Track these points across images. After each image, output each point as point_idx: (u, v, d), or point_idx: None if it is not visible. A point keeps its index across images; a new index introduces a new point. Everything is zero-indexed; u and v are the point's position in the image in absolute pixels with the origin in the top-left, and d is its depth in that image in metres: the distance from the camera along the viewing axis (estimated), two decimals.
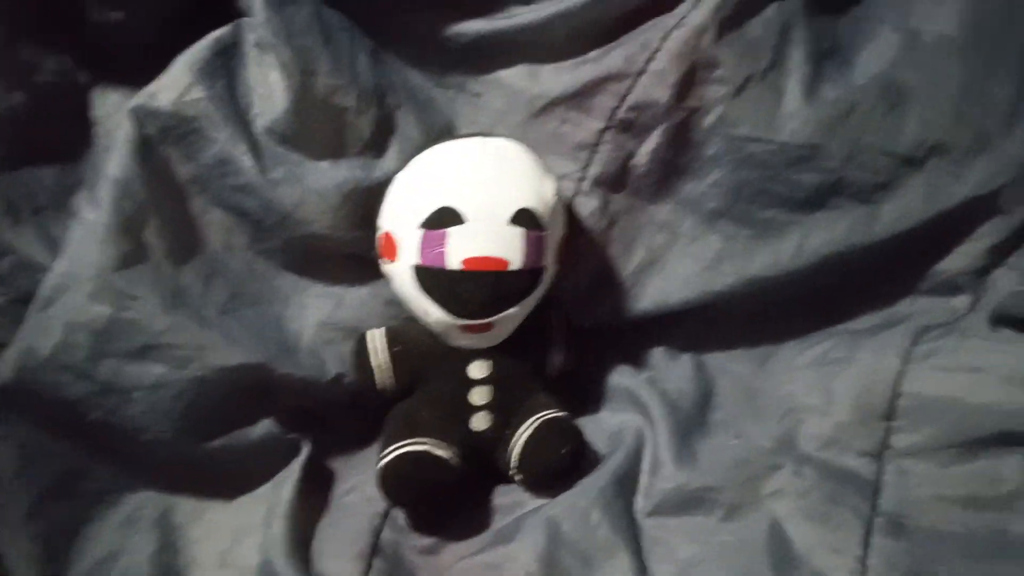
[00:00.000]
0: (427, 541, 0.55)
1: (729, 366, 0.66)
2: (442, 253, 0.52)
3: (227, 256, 0.56)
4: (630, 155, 0.61)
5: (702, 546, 0.53)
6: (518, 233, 0.53)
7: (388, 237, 0.54)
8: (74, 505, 0.52)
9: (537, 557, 0.50)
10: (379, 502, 0.56)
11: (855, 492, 0.53)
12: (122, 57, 0.56)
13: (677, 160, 0.61)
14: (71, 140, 0.54)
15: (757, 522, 0.54)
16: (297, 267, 0.59)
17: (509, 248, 0.53)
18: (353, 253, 0.58)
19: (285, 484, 0.55)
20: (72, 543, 0.52)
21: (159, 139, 0.52)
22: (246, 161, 0.53)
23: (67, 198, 0.52)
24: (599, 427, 0.62)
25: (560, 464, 0.56)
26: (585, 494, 0.54)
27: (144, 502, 0.54)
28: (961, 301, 0.60)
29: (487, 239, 0.53)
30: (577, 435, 0.57)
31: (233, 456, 0.55)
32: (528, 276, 0.55)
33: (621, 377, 0.64)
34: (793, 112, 0.58)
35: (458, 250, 0.52)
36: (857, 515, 0.52)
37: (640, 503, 0.56)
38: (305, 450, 0.57)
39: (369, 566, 0.52)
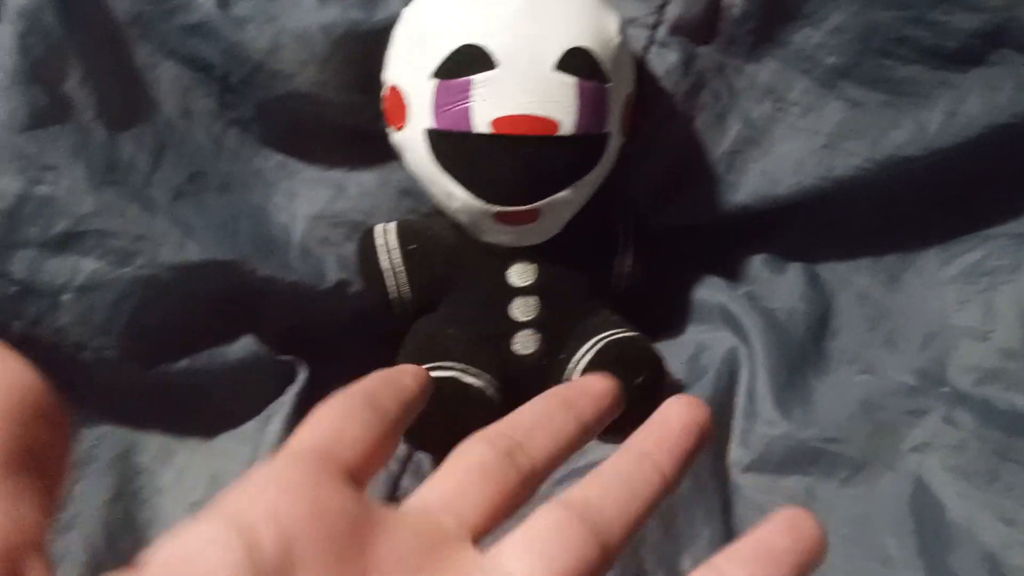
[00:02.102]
0: None
1: (852, 279, 0.53)
2: (465, 111, 0.38)
3: (186, 125, 0.44)
4: None
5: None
6: (569, 83, 0.39)
7: (395, 93, 0.41)
8: None
9: None
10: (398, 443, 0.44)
11: None
12: None
13: None
14: None
15: (895, 485, 0.43)
16: (281, 143, 0.46)
17: (558, 104, 0.39)
18: (354, 126, 0.45)
19: (274, 419, 0.44)
20: None
21: None
22: None
23: None
24: (680, 350, 0.49)
25: (629, 399, 0.42)
26: None
27: (99, 439, 0.44)
28: None
29: (526, 91, 0.39)
30: (654, 360, 0.44)
31: (207, 383, 0.44)
32: (584, 145, 0.41)
33: (711, 291, 0.51)
34: None
35: (487, 106, 0.38)
36: None
37: (736, 453, 0.45)
38: (301, 376, 0.46)
39: None
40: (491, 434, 0.23)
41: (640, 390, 0.43)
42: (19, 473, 0.16)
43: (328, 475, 0.20)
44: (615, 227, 0.47)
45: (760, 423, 0.44)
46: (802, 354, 0.47)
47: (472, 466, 0.22)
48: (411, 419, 0.24)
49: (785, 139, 0.49)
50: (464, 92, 0.38)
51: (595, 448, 0.44)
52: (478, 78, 0.38)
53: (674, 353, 0.48)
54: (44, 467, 0.17)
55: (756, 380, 0.45)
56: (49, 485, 0.17)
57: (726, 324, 0.48)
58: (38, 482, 0.17)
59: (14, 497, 0.16)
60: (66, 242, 0.39)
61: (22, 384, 0.17)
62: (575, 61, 0.39)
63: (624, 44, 0.42)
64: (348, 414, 0.22)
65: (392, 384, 0.24)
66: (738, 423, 0.44)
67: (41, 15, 0.38)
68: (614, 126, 0.42)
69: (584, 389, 0.26)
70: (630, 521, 0.21)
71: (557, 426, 0.24)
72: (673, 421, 0.24)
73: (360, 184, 0.47)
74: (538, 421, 0.24)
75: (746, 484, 0.43)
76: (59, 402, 0.18)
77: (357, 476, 0.21)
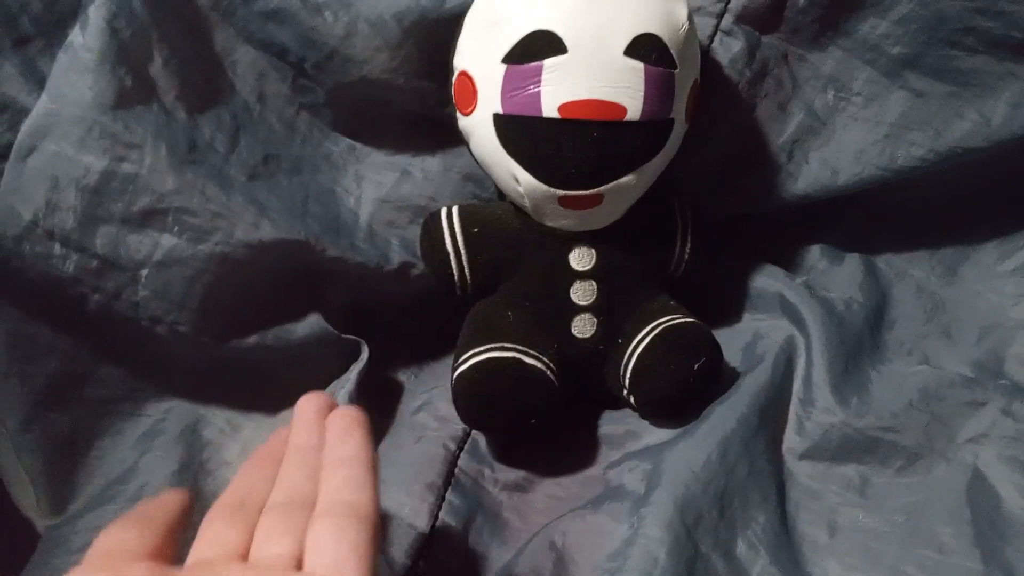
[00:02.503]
0: (515, 475, 0.45)
1: (909, 271, 0.53)
2: (535, 96, 0.39)
3: (260, 109, 0.45)
4: None
5: (872, 508, 0.42)
6: (636, 69, 0.39)
7: (464, 78, 0.41)
8: (80, 414, 0.43)
9: (663, 524, 0.38)
10: (456, 423, 0.45)
11: None
12: None
13: None
14: None
15: (951, 476, 0.42)
16: (350, 128, 0.47)
17: (625, 89, 0.39)
18: (421, 112, 0.46)
19: (338, 396, 0.45)
20: (80, 460, 0.44)
21: None
22: None
23: (60, 26, 0.41)
24: (737, 337, 0.49)
25: (687, 384, 0.43)
26: (720, 424, 0.42)
27: (167, 413, 0.45)
28: None
29: (595, 76, 0.39)
30: (711, 347, 0.44)
31: (273, 359, 0.45)
32: (650, 131, 0.41)
33: (769, 280, 0.51)
34: None
35: (556, 91, 0.39)
36: None
37: (791, 440, 0.45)
38: (364, 355, 0.46)
39: (441, 500, 0.42)
40: (219, 503, 0.30)
41: (697, 375, 0.43)
42: None
43: (124, 561, 0.26)
44: (674, 214, 0.47)
45: (817, 411, 0.44)
46: (859, 344, 0.47)
47: (216, 523, 0.29)
48: (182, 524, 0.30)
49: (847, 129, 0.48)
50: (534, 77, 0.39)
51: (650, 432, 0.45)
52: (548, 63, 0.38)
53: (731, 340, 0.48)
54: None
55: (813, 368, 0.45)
56: None
57: (784, 312, 0.48)
58: None
59: None
60: (147, 218, 0.40)
61: None
62: (644, 47, 0.39)
63: (692, 31, 0.42)
64: (121, 527, 0.28)
65: (158, 503, 0.30)
66: (794, 411, 0.44)
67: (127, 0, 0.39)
68: (679, 113, 0.42)
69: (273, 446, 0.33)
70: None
71: (268, 473, 0.31)
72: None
73: (425, 169, 0.48)
74: (250, 474, 0.31)
75: (801, 471, 0.43)
76: None
77: (155, 557, 0.27)
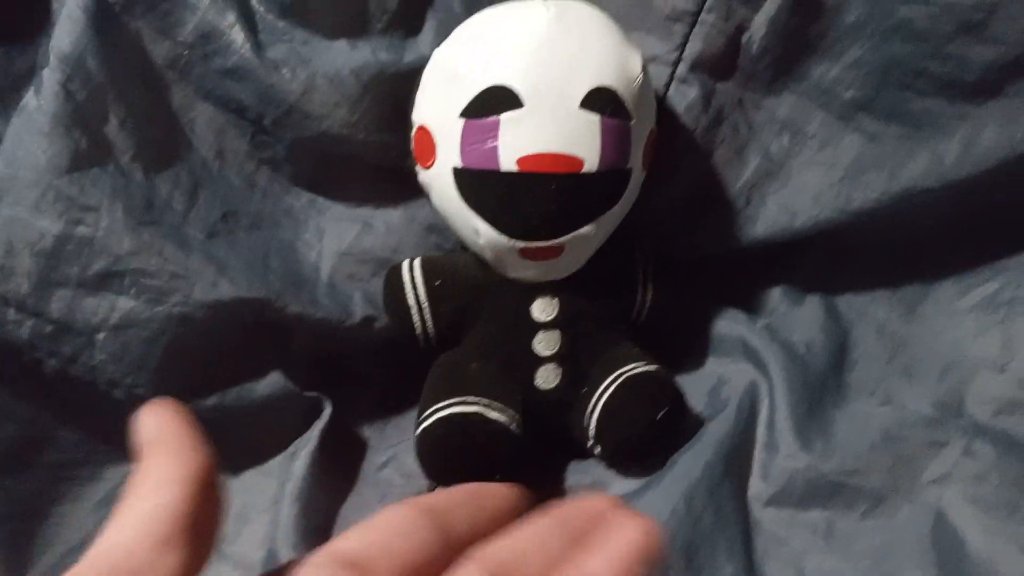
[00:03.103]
0: None
1: (870, 311, 0.53)
2: (492, 150, 0.39)
3: (219, 165, 0.45)
4: (741, 27, 0.46)
5: (838, 552, 0.42)
6: (592, 121, 0.39)
7: (423, 133, 0.42)
8: (38, 480, 0.43)
9: None
10: (422, 479, 0.45)
11: None
12: None
13: (805, 32, 0.46)
14: (22, 14, 0.43)
15: (915, 518, 0.43)
16: (311, 182, 0.47)
17: (582, 142, 0.40)
18: (382, 165, 0.46)
19: (300, 455, 0.44)
20: (38, 527, 0.43)
21: (125, 6, 0.41)
22: (236, 36, 0.42)
23: (14, 88, 0.41)
24: (701, 382, 0.49)
25: (652, 433, 0.43)
26: (686, 473, 0.41)
27: (126, 476, 0.44)
28: None
29: (552, 129, 0.39)
30: (674, 395, 0.44)
31: (234, 419, 0.45)
32: (608, 181, 0.41)
33: (730, 324, 0.51)
34: None
35: (513, 145, 0.39)
36: None
37: (757, 487, 0.45)
38: (327, 412, 0.46)
39: None
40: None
41: (660, 424, 0.43)
42: (184, 544, 0.19)
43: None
44: (635, 260, 0.48)
45: (781, 456, 0.44)
46: (822, 386, 0.47)
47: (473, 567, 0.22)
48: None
49: (803, 172, 0.49)
50: (491, 131, 0.39)
51: (617, 481, 0.45)
52: (505, 117, 0.39)
53: (695, 386, 0.48)
54: (201, 537, 0.19)
55: (776, 413, 0.45)
56: (201, 554, 0.19)
57: (746, 357, 0.49)
58: (194, 551, 0.19)
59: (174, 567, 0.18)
60: (103, 281, 0.39)
61: (201, 461, 0.20)
62: (599, 100, 0.39)
63: (646, 82, 0.42)
64: (404, 528, 0.21)
65: (472, 503, 0.24)
66: (759, 456, 0.44)
67: (83, 61, 0.39)
68: (636, 162, 0.42)
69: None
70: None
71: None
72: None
73: (387, 221, 0.48)
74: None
75: (767, 518, 0.43)
76: (220, 477, 0.20)
77: None
